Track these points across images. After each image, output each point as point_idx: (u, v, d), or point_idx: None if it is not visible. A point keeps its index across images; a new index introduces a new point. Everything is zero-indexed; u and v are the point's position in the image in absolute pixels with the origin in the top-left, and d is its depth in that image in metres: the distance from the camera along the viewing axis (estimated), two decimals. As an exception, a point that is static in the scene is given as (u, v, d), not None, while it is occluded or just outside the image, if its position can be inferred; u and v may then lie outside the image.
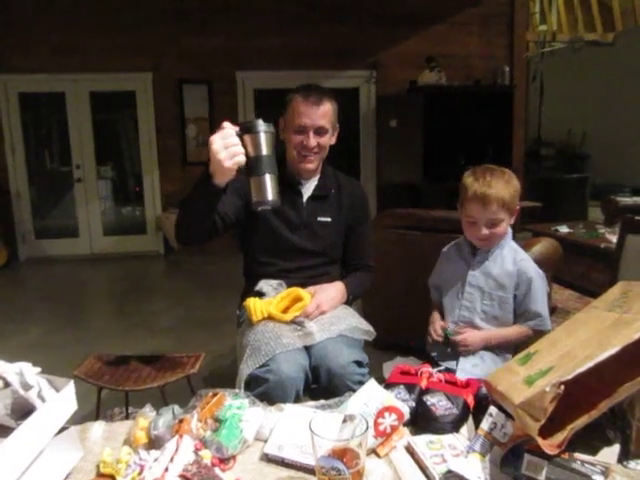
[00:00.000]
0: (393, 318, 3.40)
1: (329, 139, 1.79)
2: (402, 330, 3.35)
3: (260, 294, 1.71)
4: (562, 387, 0.88)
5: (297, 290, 1.70)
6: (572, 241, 4.50)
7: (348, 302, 1.85)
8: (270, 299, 1.68)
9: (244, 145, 1.36)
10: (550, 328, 1.65)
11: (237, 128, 1.40)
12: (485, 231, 1.62)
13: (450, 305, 1.73)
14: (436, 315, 1.78)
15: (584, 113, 8.74)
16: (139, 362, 2.00)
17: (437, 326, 1.71)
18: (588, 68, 8.46)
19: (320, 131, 1.73)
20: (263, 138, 1.36)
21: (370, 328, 1.73)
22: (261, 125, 1.36)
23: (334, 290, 1.76)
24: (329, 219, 1.82)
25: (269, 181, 1.36)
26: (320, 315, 1.67)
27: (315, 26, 6.43)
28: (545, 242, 3.59)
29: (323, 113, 1.72)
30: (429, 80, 6.18)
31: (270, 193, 1.36)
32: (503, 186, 1.61)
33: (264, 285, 1.71)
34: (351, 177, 1.95)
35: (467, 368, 1.60)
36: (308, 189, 1.83)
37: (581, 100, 8.78)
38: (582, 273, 4.51)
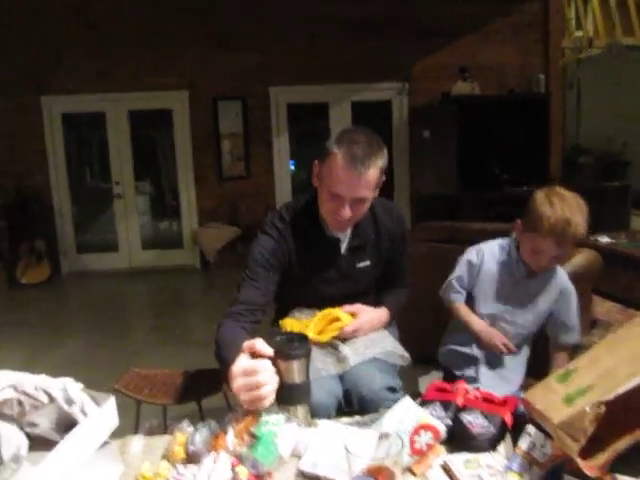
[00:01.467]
0: (426, 332, 3.37)
1: (367, 205, 1.56)
2: (435, 344, 3.33)
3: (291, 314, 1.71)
4: (603, 407, 0.86)
5: (336, 311, 1.62)
6: (613, 251, 4.37)
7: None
8: (307, 320, 1.63)
9: (275, 366, 1.19)
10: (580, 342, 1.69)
11: (268, 350, 1.20)
12: (552, 262, 1.63)
13: (487, 314, 1.73)
14: (482, 323, 1.74)
15: (624, 119, 8.51)
16: (177, 376, 2.03)
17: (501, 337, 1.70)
18: (627, 73, 8.25)
19: (358, 202, 1.50)
20: (297, 366, 1.22)
21: (405, 353, 1.68)
22: (297, 349, 1.22)
23: (376, 315, 1.70)
24: (368, 262, 1.70)
25: (300, 411, 1.24)
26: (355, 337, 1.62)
27: (346, 40, 6.48)
28: (585, 253, 3.50)
29: (366, 182, 1.46)
30: (462, 90, 6.15)
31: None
32: (581, 223, 1.53)
33: (297, 313, 1.70)
34: (386, 201, 1.77)
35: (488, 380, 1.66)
36: (345, 237, 1.67)
37: (620, 106, 8.56)
38: (625, 284, 4.38)
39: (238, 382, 1.14)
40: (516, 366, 1.76)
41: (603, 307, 4.04)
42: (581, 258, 3.37)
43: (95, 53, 6.26)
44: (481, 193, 6.22)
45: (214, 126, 6.56)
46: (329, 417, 1.47)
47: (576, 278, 3.23)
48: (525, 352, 1.80)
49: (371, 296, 1.81)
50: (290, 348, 1.22)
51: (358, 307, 1.68)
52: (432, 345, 3.28)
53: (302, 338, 1.28)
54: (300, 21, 6.42)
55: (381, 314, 1.73)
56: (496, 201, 6.18)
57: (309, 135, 6.95)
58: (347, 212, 1.48)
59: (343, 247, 1.67)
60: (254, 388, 1.12)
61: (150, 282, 6.34)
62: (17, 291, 5.90)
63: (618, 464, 0.93)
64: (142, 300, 5.93)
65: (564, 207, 1.53)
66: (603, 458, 0.89)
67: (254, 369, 1.14)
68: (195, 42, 6.36)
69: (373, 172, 1.46)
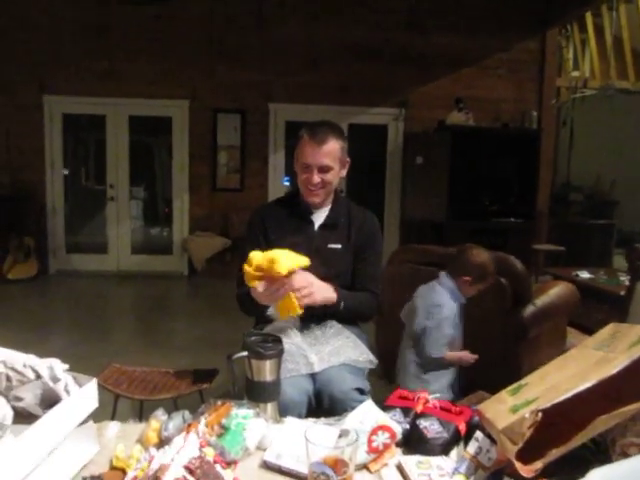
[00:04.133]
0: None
1: (335, 175, 1.86)
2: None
3: (271, 319, 1.80)
4: (540, 414, 0.95)
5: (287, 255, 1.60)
6: (592, 287, 4.48)
7: (344, 316, 1.83)
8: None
9: (249, 366, 1.33)
10: None
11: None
12: None
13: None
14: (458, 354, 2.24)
15: (614, 160, 8.72)
16: (156, 375, 2.10)
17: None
18: (619, 116, 8.48)
19: (324, 169, 1.81)
20: (269, 365, 1.32)
21: (371, 357, 1.76)
22: (270, 350, 1.32)
23: (325, 286, 1.74)
24: (339, 246, 1.87)
25: (269, 408, 1.33)
26: (307, 300, 1.64)
27: (347, 64, 6.65)
28: (562, 285, 3.61)
29: (327, 152, 1.80)
30: (457, 121, 6.31)
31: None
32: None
33: (274, 310, 1.79)
34: (365, 209, 2.00)
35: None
36: (319, 217, 1.91)
37: (611, 147, 8.78)
38: (601, 319, 4.48)
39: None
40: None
41: (578, 339, 4.14)
42: (558, 290, 3.48)
43: (100, 57, 6.38)
44: (469, 222, 6.35)
45: (212, 137, 6.67)
46: (300, 415, 1.56)
47: (552, 309, 3.34)
48: None
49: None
50: (263, 348, 1.31)
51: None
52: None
53: (275, 339, 1.36)
54: (303, 42, 6.59)
55: (329, 288, 1.76)
56: (483, 230, 6.31)
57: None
58: (316, 178, 1.81)
59: (316, 224, 1.91)
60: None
61: (137, 286, 6.39)
62: (2, 286, 5.91)
63: (557, 472, 1.01)
64: (127, 303, 5.97)
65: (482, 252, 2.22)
66: (540, 463, 0.98)
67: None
68: (199, 54, 6.51)
69: (332, 145, 1.82)
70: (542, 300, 3.23)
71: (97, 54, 6.37)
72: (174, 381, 2.02)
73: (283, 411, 1.46)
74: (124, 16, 6.33)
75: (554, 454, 0.98)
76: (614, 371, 0.98)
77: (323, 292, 1.72)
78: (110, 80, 6.42)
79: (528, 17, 6.90)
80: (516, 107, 6.90)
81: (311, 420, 1.36)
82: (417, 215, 6.79)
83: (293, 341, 1.71)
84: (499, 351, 3.14)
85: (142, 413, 2.07)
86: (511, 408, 1.07)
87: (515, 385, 1.21)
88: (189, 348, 4.11)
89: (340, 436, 1.13)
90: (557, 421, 1.01)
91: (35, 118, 6.42)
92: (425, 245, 3.66)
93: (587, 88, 8.17)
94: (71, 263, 6.75)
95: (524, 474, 0.96)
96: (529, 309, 3.08)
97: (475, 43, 6.80)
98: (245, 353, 1.32)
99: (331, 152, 1.82)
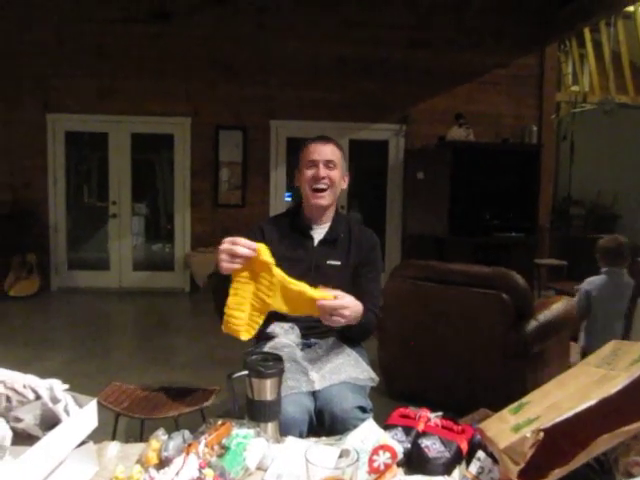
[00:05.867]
0: (407, 367, 3.43)
1: (339, 176, 1.90)
2: (415, 379, 3.38)
3: (272, 337, 1.79)
4: (541, 434, 0.94)
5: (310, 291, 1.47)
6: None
7: (349, 335, 1.77)
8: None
9: (250, 385, 1.30)
10: None
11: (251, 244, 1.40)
12: None
13: None
14: None
15: (615, 174, 8.74)
16: (157, 393, 2.09)
17: None
18: (619, 130, 8.52)
19: (329, 165, 1.87)
20: (269, 384, 1.30)
21: (372, 375, 1.74)
22: (270, 369, 1.29)
23: (354, 301, 1.59)
24: (338, 262, 1.86)
25: (269, 427, 1.32)
26: (339, 318, 1.52)
27: (348, 80, 6.71)
28: (565, 300, 3.61)
29: (331, 151, 1.88)
30: (457, 136, 6.34)
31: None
32: None
33: (276, 327, 1.77)
34: (365, 226, 2.00)
35: None
36: (319, 233, 1.91)
37: (612, 161, 8.81)
38: (604, 334, 4.47)
39: (223, 245, 1.42)
40: None
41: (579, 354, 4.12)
42: (560, 305, 3.48)
43: (102, 75, 6.46)
44: (470, 237, 6.36)
45: (214, 154, 6.71)
46: (301, 433, 1.55)
47: (555, 324, 3.33)
48: None
49: None
50: (264, 367, 1.30)
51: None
52: (412, 379, 3.35)
53: (276, 358, 1.36)
54: (304, 58, 6.65)
55: (358, 303, 1.63)
56: (484, 246, 6.32)
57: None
58: (322, 171, 1.85)
59: (316, 240, 1.90)
60: (233, 244, 1.40)
61: (139, 303, 6.38)
62: (4, 303, 5.92)
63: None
64: (129, 320, 5.96)
65: None
66: (542, 483, 0.97)
67: (238, 239, 1.41)
68: (201, 71, 6.57)
69: (336, 148, 1.90)
70: (545, 315, 3.23)
71: (99, 72, 6.44)
72: (175, 400, 2.01)
73: (284, 429, 1.45)
74: (126, 34, 6.42)
75: (557, 474, 0.97)
76: (615, 390, 0.97)
77: (354, 306, 1.58)
78: (112, 98, 6.48)
79: (528, 33, 6.96)
80: (516, 122, 6.94)
81: (312, 439, 1.35)
82: (418, 230, 6.79)
83: (294, 358, 1.71)
84: (502, 367, 3.13)
85: (143, 432, 2.06)
86: (513, 427, 1.06)
87: (517, 404, 1.20)
88: (190, 365, 4.10)
89: (340, 456, 1.12)
90: (559, 440, 1.00)
91: (38, 136, 6.47)
92: (426, 261, 3.66)
93: (587, 102, 8.24)
94: (73, 280, 6.76)
95: (526, 495, 0.95)
96: (532, 325, 3.07)
97: (475, 59, 6.86)
98: (246, 372, 1.31)
99: (335, 152, 1.89)
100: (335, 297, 1.50)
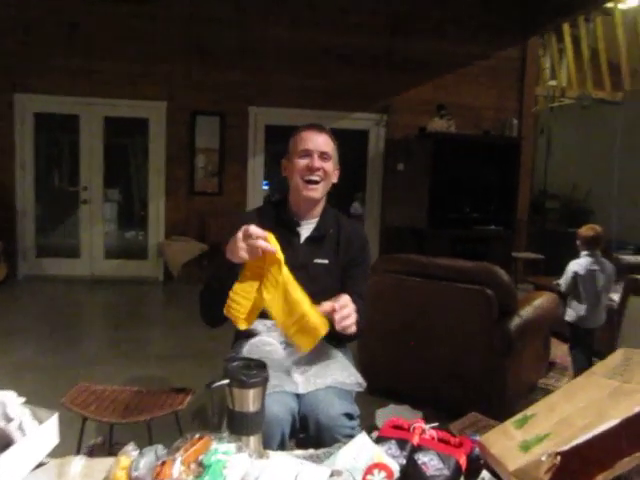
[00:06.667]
0: (389, 363, 3.36)
1: (332, 169, 1.78)
2: (397, 375, 3.31)
3: (254, 334, 1.67)
4: (559, 458, 0.86)
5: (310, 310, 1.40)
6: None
7: (341, 339, 1.68)
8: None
9: (231, 395, 1.19)
10: None
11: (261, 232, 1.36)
12: None
13: None
14: None
15: (590, 168, 8.81)
16: (128, 394, 1.96)
17: None
18: (595, 125, 8.56)
19: (324, 156, 1.74)
20: (252, 395, 1.19)
21: (359, 379, 1.63)
22: (253, 377, 1.19)
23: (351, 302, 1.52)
24: (326, 261, 1.75)
25: (252, 441, 1.20)
26: (344, 321, 1.46)
27: (329, 68, 6.57)
28: (546, 296, 3.59)
29: (326, 141, 1.75)
30: (439, 127, 6.27)
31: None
32: None
33: (259, 324, 1.66)
34: (355, 221, 1.92)
35: None
36: (306, 230, 1.79)
37: (587, 156, 8.86)
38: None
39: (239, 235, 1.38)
40: None
41: (562, 350, 4.11)
42: (542, 300, 3.45)
43: (75, 55, 6.19)
44: (450, 229, 6.32)
45: (190, 140, 6.52)
46: (284, 434, 1.46)
47: (536, 320, 3.29)
48: None
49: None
50: (246, 376, 1.19)
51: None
52: (394, 376, 3.27)
53: (260, 365, 1.25)
54: (285, 46, 6.49)
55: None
56: (464, 238, 6.29)
57: (283, 157, 7.00)
58: (317, 162, 1.72)
59: (303, 237, 1.78)
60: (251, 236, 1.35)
61: (110, 292, 6.19)
62: (-32, 291, 5.68)
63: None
64: (100, 310, 5.77)
65: None
66: (556, 509, 0.88)
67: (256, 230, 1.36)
68: (178, 54, 6.36)
69: (330, 139, 1.77)
70: (527, 311, 3.19)
71: (71, 52, 6.17)
72: (147, 401, 1.88)
73: (267, 428, 1.34)
74: (100, 13, 6.16)
75: (571, 499, 0.89)
76: (638, 409, 0.89)
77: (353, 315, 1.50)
78: (84, 79, 6.22)
79: (511, 25, 6.91)
80: (497, 115, 6.91)
81: (298, 453, 1.25)
82: (398, 223, 6.73)
83: (276, 357, 1.60)
84: (484, 363, 3.08)
85: (112, 437, 1.93)
86: (521, 445, 0.97)
87: (520, 415, 1.12)
88: (164, 358, 3.97)
89: (332, 475, 1.03)
90: (576, 464, 0.91)
91: (5, 117, 6.18)
92: (407, 254, 3.58)
93: (564, 97, 8.26)
94: (41, 267, 6.51)
95: (541, 524, 0.86)
96: (515, 321, 3.02)
97: (457, 49, 6.79)
98: (226, 381, 1.19)
99: (329, 144, 1.77)
100: (334, 309, 1.45)
